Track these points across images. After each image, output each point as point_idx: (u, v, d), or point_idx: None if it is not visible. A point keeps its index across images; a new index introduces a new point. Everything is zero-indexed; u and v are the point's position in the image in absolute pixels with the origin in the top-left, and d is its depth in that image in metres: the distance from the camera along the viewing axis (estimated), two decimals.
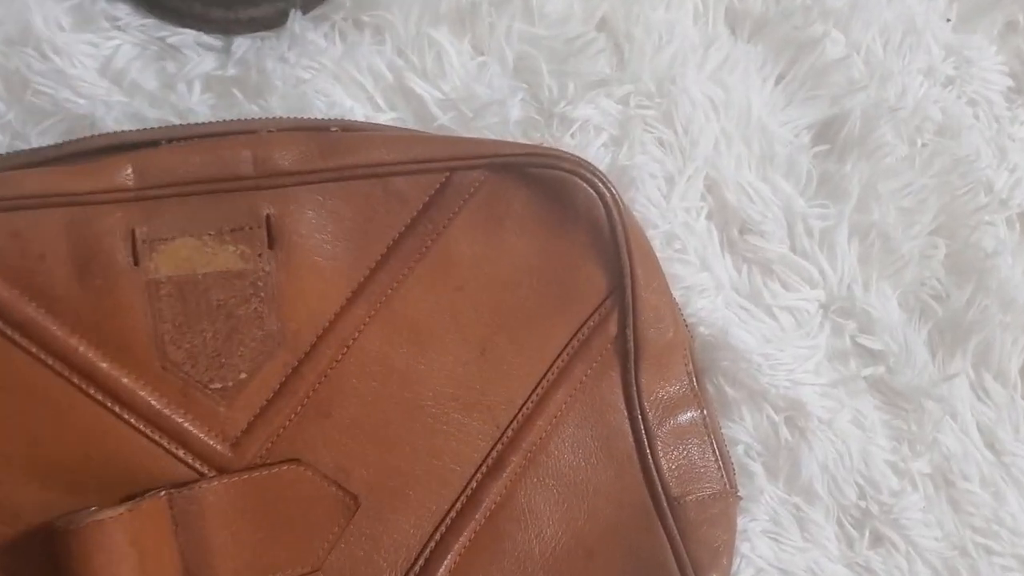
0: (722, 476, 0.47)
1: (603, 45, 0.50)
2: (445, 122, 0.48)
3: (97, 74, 0.45)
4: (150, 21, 0.46)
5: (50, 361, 0.41)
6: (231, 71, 0.46)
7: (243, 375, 0.43)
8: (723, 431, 0.49)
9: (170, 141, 0.42)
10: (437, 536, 0.45)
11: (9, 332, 0.41)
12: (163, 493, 0.41)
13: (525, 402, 0.46)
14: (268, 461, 0.43)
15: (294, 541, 0.43)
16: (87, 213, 0.41)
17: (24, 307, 0.41)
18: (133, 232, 0.41)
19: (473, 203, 0.45)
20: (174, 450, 0.42)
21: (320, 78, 0.47)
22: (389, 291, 0.44)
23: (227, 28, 0.48)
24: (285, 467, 0.43)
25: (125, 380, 0.41)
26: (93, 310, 0.41)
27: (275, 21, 0.48)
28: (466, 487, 0.45)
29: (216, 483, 0.42)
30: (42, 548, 0.41)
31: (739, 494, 0.48)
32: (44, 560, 0.40)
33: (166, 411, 0.42)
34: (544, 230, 0.46)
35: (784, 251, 0.51)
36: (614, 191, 0.45)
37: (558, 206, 0.45)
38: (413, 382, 0.45)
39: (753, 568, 0.48)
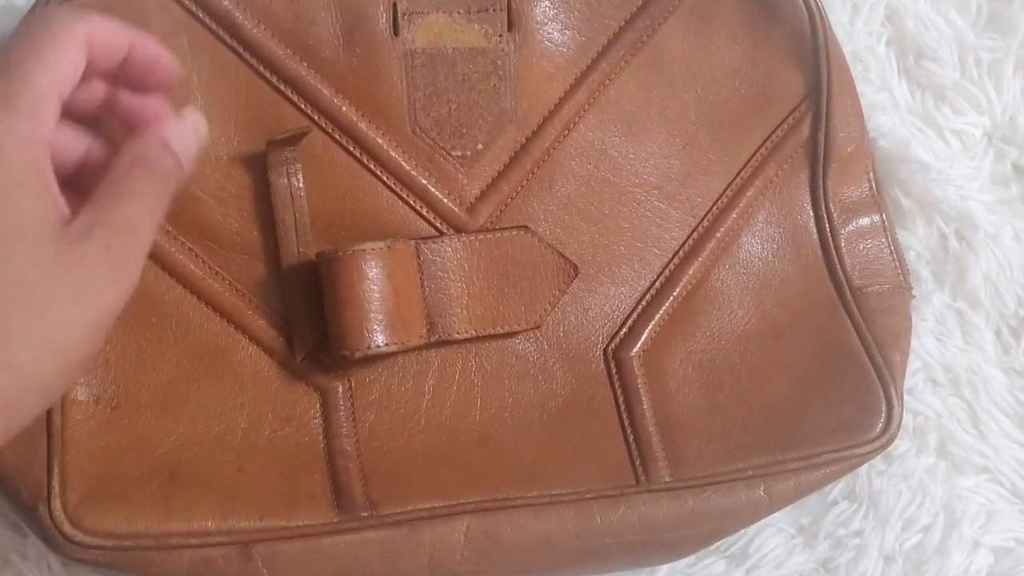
0: (898, 274, 0.51)
1: None
2: None
3: None
4: None
5: (316, 116, 0.45)
6: None
7: (480, 146, 0.47)
8: (898, 237, 0.52)
9: None
10: (639, 309, 0.49)
11: (282, 87, 0.45)
12: (412, 241, 0.45)
13: (720, 196, 0.50)
14: (499, 227, 0.47)
15: (520, 299, 0.47)
16: None
17: (296, 65, 0.45)
18: (395, 4, 0.45)
19: (688, 3, 0.49)
20: (419, 208, 0.46)
21: None
22: (607, 81, 0.48)
23: None
24: (516, 232, 0.47)
25: (380, 140, 0.46)
26: (355, 74, 0.45)
27: None
28: (665, 268, 0.49)
29: (457, 240, 0.46)
30: (301, 282, 0.45)
31: (912, 292, 0.51)
32: (303, 291, 0.45)
33: (414, 172, 0.46)
34: (750, 34, 0.49)
35: (956, 78, 0.54)
36: (819, 1, 0.49)
37: (765, 11, 0.49)
38: (622, 168, 0.49)
39: (920, 362, 0.52)
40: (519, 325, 0.46)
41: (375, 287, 0.43)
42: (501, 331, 0.46)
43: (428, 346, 0.45)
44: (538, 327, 0.47)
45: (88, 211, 0.34)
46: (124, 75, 0.37)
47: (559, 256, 0.47)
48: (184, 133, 0.38)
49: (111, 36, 0.35)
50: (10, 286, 0.31)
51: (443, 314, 0.45)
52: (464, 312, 0.46)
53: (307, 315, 0.44)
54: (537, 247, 0.47)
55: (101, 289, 0.33)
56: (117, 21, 0.36)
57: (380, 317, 0.43)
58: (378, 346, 0.42)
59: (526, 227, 0.47)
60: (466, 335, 0.45)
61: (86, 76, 0.35)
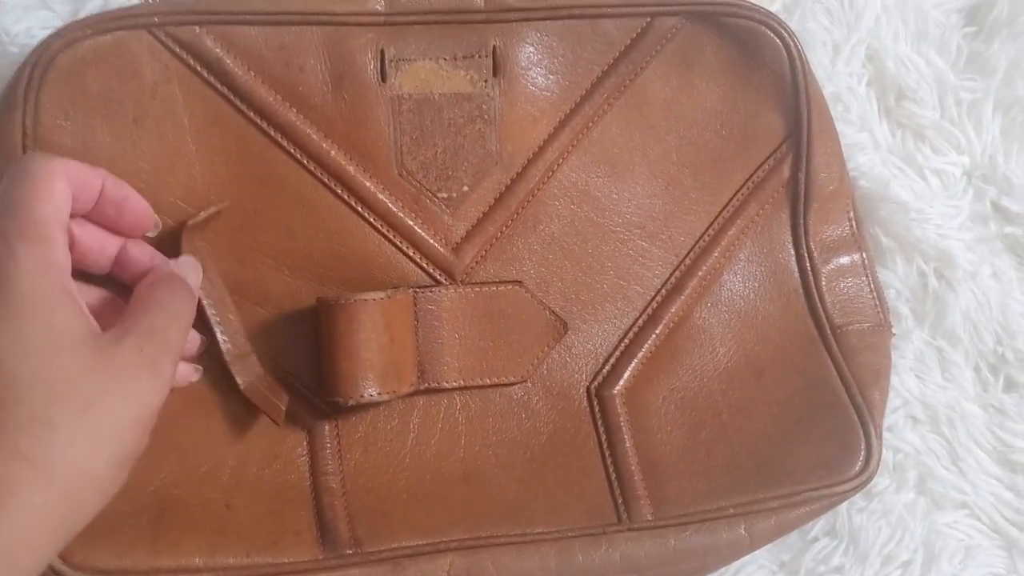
0: (878, 312, 0.52)
1: None
2: None
3: None
4: None
5: (306, 161, 0.46)
6: None
7: (465, 188, 0.48)
8: (878, 276, 0.53)
9: None
10: (622, 347, 0.50)
11: (272, 132, 0.46)
12: (411, 290, 0.46)
13: (703, 235, 0.51)
14: (482, 266, 0.48)
15: (509, 352, 0.48)
16: (343, 33, 0.46)
17: (286, 111, 0.46)
18: (382, 51, 0.46)
19: (670, 47, 0.50)
20: (406, 249, 0.47)
21: None
22: (590, 123, 0.49)
23: None
24: (510, 287, 0.48)
25: (368, 184, 0.47)
26: (344, 119, 0.46)
27: None
28: (647, 306, 0.50)
29: (453, 291, 0.47)
30: (288, 327, 0.46)
31: (893, 331, 0.52)
32: (291, 336, 0.46)
33: (400, 214, 0.47)
34: (731, 77, 0.50)
35: (935, 118, 0.55)
36: (799, 44, 0.50)
37: (745, 55, 0.50)
38: (606, 208, 0.50)
39: (900, 399, 0.53)
40: (507, 378, 0.48)
41: (373, 336, 0.44)
42: (488, 383, 0.47)
43: (417, 393, 0.46)
44: (525, 381, 0.48)
45: (118, 325, 0.37)
46: (101, 214, 0.41)
47: (550, 313, 0.48)
48: (185, 264, 0.42)
49: (83, 173, 0.39)
50: (53, 386, 0.34)
51: (434, 363, 0.46)
52: (455, 362, 0.47)
53: (299, 358, 0.45)
54: (530, 303, 0.48)
55: (140, 386, 0.36)
56: (86, 163, 0.39)
57: (375, 367, 0.44)
58: (371, 395, 0.43)
59: (520, 282, 0.48)
60: (454, 384, 0.46)
61: (73, 213, 0.38)
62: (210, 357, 0.45)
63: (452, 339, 0.47)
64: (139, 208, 0.42)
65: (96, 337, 0.36)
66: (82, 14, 0.48)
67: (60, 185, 0.37)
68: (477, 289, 0.47)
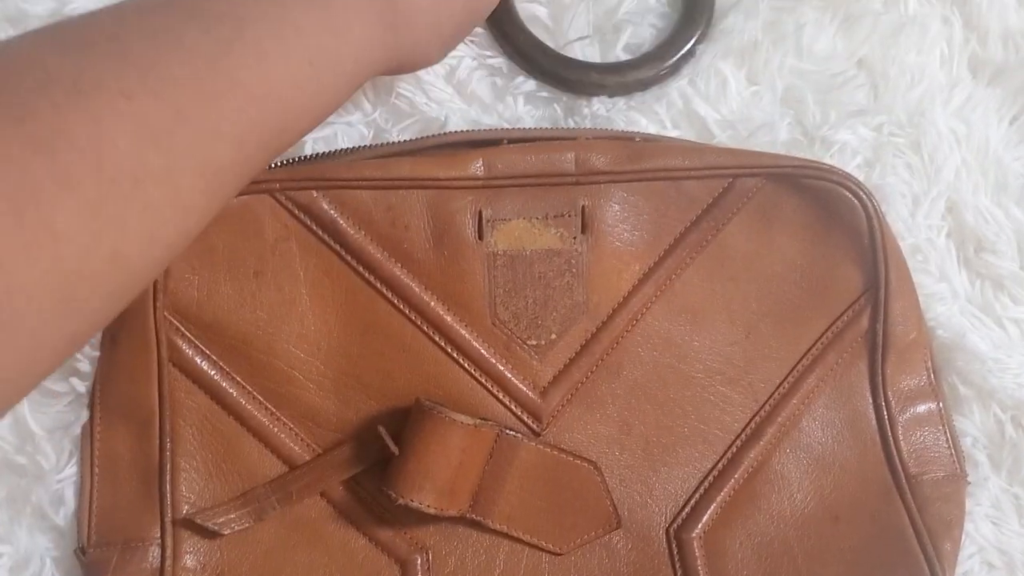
0: (954, 461, 0.53)
1: (862, 81, 0.57)
2: (723, 139, 0.56)
3: (444, 81, 0.55)
4: (481, 39, 0.56)
5: (407, 311, 0.50)
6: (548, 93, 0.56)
7: (553, 335, 0.51)
8: (954, 423, 0.54)
9: (510, 141, 0.52)
10: (701, 490, 0.52)
11: (379, 285, 0.50)
12: (497, 429, 0.49)
13: (782, 382, 0.53)
14: (567, 410, 0.51)
15: (559, 524, 0.50)
16: (444, 196, 0.50)
17: (392, 266, 0.50)
18: (480, 213, 0.50)
19: (750, 206, 0.53)
20: (496, 392, 0.51)
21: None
22: (673, 276, 0.52)
23: (616, 91, 0.57)
24: (586, 465, 0.51)
25: (463, 332, 0.51)
26: (443, 273, 0.50)
27: (653, 81, 0.58)
28: (727, 451, 0.52)
29: (532, 445, 0.50)
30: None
31: (968, 479, 0.53)
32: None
33: (492, 360, 0.51)
34: (810, 233, 0.53)
35: (1015, 268, 0.56)
36: (875, 203, 0.52)
37: (824, 212, 0.53)
38: (687, 355, 0.52)
39: (975, 546, 0.53)
40: (545, 544, 0.50)
41: (447, 453, 0.47)
42: (527, 540, 0.49)
43: (458, 520, 0.49)
44: (559, 555, 0.50)
45: None
46: None
47: (611, 505, 0.50)
48: None
49: None
50: None
51: (488, 500, 0.49)
52: (506, 508, 0.49)
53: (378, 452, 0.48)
54: (597, 487, 0.50)
55: None
56: None
57: (436, 480, 0.47)
58: (420, 504, 0.46)
59: (596, 465, 0.51)
60: (496, 527, 0.49)
61: None
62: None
63: (513, 486, 0.49)
64: None
65: None
66: None
67: None
68: (555, 453, 0.50)
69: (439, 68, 0.55)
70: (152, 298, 0.48)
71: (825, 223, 0.53)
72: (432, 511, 0.47)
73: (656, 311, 0.52)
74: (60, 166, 0.32)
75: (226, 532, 0.48)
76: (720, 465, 0.52)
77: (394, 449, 0.46)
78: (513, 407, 0.51)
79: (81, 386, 0.50)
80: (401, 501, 0.46)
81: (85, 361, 0.49)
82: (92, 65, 0.34)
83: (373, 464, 0.49)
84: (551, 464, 0.50)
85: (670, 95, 0.56)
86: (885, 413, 0.53)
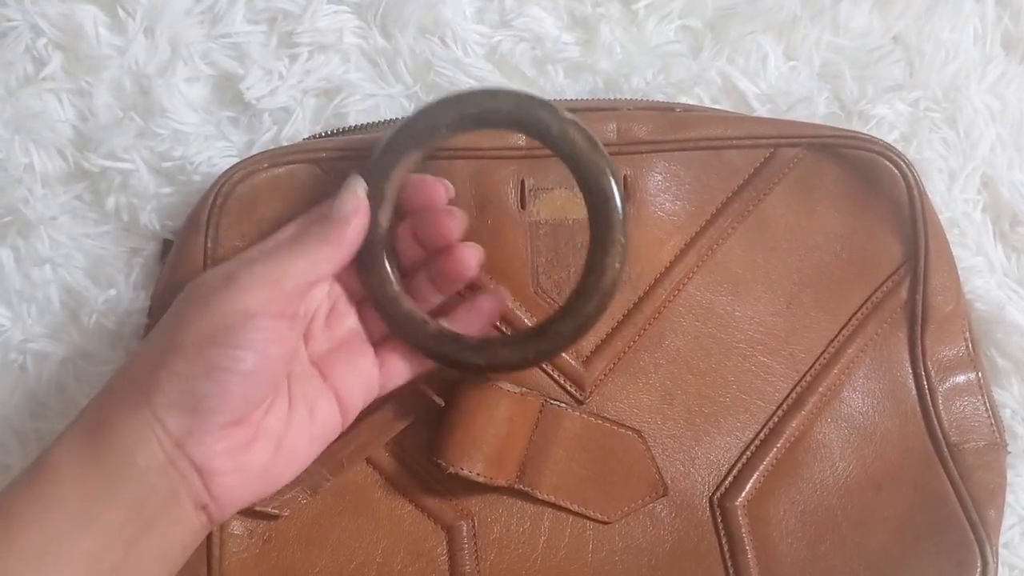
0: (994, 431, 0.53)
1: (898, 57, 0.57)
2: (762, 113, 0.56)
3: (484, 60, 0.56)
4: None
5: None
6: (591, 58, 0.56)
7: None
8: (993, 395, 0.55)
9: None
10: (743, 459, 0.52)
11: None
12: (542, 398, 0.49)
13: (823, 352, 0.53)
14: (610, 379, 0.51)
15: (606, 492, 0.50)
16: (487, 165, 0.50)
17: None
18: (523, 182, 0.51)
19: (792, 176, 0.53)
20: None
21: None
22: (714, 246, 0.52)
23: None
24: (631, 433, 0.51)
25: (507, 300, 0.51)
26: (486, 242, 0.50)
27: None
28: (769, 420, 0.52)
29: (577, 414, 0.50)
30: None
31: (1008, 449, 0.53)
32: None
33: None
34: (851, 203, 0.53)
35: None
36: (916, 173, 0.53)
37: (864, 183, 0.53)
38: (728, 325, 0.53)
39: (1016, 516, 0.54)
40: (592, 513, 0.50)
41: (494, 422, 0.47)
42: (574, 509, 0.49)
43: (506, 491, 0.49)
44: (608, 523, 0.50)
45: None
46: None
47: (657, 472, 0.50)
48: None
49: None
50: None
51: (535, 470, 0.49)
52: (553, 477, 0.49)
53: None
54: (642, 455, 0.51)
55: None
56: None
57: (484, 449, 0.47)
58: (470, 472, 0.47)
59: (640, 433, 0.51)
60: (544, 497, 0.49)
61: None
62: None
63: (559, 455, 0.49)
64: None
65: None
66: (256, 145, 0.53)
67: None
68: (599, 422, 0.50)
69: (478, 48, 0.55)
70: (202, 265, 0.48)
71: (865, 193, 0.53)
72: (481, 479, 0.47)
73: (698, 281, 0.52)
74: None
75: (285, 513, 0.48)
76: (762, 435, 0.52)
77: (439, 401, 0.46)
78: (556, 376, 0.51)
79: None
80: (452, 470, 0.47)
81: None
82: None
83: (417, 421, 0.49)
84: (596, 433, 0.50)
85: (708, 75, 0.56)
86: (925, 383, 0.53)
